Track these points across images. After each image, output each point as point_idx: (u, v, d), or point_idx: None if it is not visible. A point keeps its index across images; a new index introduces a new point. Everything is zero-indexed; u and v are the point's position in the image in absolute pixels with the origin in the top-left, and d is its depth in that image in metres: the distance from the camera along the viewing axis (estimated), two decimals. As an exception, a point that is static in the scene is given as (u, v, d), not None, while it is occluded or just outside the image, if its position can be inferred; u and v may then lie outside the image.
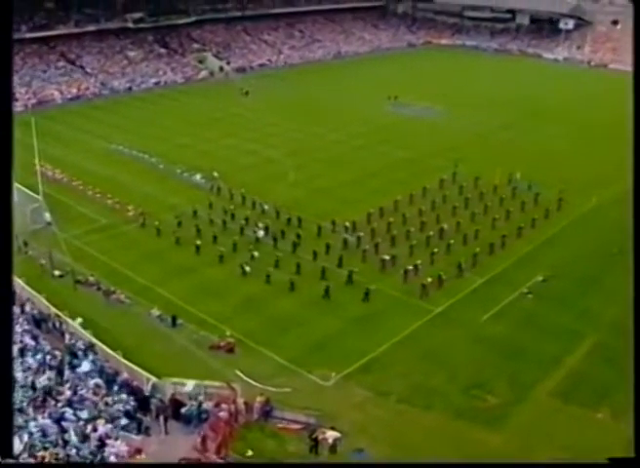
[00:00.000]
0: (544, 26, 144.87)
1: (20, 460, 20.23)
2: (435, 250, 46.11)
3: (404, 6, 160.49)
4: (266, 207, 52.00)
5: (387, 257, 44.75)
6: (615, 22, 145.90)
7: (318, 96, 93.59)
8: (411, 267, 43.35)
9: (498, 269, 44.66)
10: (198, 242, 45.55)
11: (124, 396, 27.34)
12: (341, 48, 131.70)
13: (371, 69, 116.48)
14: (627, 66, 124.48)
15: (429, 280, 41.75)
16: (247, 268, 42.58)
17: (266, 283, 41.63)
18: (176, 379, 29.37)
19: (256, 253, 44.28)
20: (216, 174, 57.64)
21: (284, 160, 64.56)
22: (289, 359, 34.01)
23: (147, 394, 28.36)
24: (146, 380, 28.92)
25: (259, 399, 29.39)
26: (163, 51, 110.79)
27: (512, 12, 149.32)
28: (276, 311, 38.98)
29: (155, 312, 37.64)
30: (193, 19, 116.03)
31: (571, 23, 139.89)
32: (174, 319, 36.96)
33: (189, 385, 29.03)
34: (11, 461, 11.16)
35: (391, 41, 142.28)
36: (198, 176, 58.35)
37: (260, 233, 47.60)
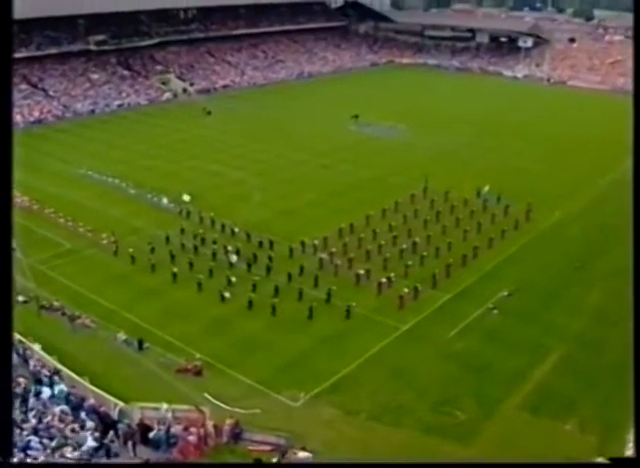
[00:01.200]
0: (504, 45, 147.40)
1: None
2: (409, 262, 46.94)
3: (366, 26, 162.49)
4: (236, 229, 51.81)
5: (362, 272, 45.28)
6: (572, 40, 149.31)
7: (282, 116, 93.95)
8: (384, 280, 44.04)
9: (463, 285, 45.07)
10: (175, 269, 44.89)
11: (91, 422, 27.01)
12: (304, 68, 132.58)
13: (334, 89, 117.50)
14: (585, 83, 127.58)
15: (406, 291, 42.54)
16: (226, 294, 42.16)
17: (248, 308, 41.25)
18: (143, 404, 29.10)
19: (233, 279, 43.89)
20: (186, 197, 57.39)
21: (249, 181, 64.62)
22: (257, 380, 33.90)
23: (115, 419, 28.06)
24: (114, 406, 28.62)
25: (228, 421, 29.22)
26: (126, 73, 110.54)
27: (472, 31, 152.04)
28: (244, 332, 38.89)
29: (121, 336, 37.34)
30: (156, 40, 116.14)
31: (529, 42, 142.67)
32: (140, 343, 36.68)
33: (157, 409, 28.78)
34: (11, 461, 11.05)
35: (354, 61, 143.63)
36: (165, 200, 57.98)
37: (234, 258, 47.21)
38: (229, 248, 48.35)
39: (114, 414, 28.34)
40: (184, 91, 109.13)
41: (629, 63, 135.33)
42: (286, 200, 60.01)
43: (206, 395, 32.15)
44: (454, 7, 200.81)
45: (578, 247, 52.34)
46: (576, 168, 72.44)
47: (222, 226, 52.54)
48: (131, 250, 47.80)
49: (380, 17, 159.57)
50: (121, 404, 28.75)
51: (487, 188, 60.62)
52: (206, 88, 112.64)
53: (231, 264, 46.39)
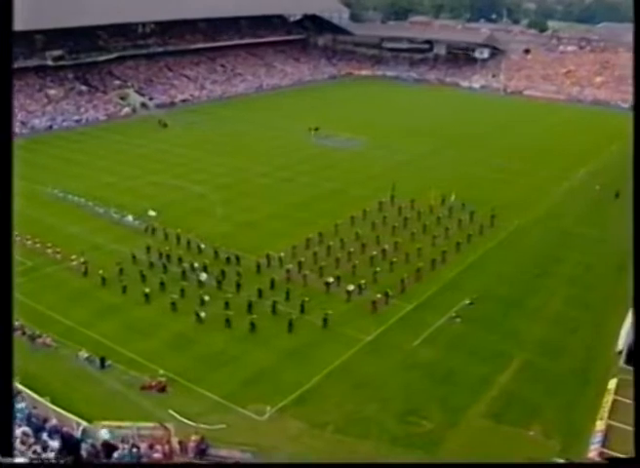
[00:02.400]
0: (461, 56, 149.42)
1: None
2: (378, 268, 47.70)
3: (324, 39, 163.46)
4: (203, 246, 51.44)
5: (331, 279, 45.81)
6: (527, 51, 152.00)
7: (242, 129, 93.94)
8: (352, 287, 44.62)
9: (425, 295, 45.46)
10: (147, 290, 44.08)
11: (54, 443, 26.63)
12: (263, 81, 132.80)
13: (293, 102, 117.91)
14: (541, 93, 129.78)
15: (378, 296, 43.29)
16: (202, 314, 41.48)
17: (227, 327, 40.75)
18: (107, 422, 28.79)
19: (206, 298, 43.22)
20: (152, 212, 56.97)
21: (211, 195, 64.48)
22: (222, 395, 33.75)
23: (78, 439, 27.70)
24: (77, 425, 28.24)
25: (193, 438, 29.02)
26: (84, 88, 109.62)
27: (430, 42, 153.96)
28: (208, 347, 38.70)
29: (83, 354, 36.91)
30: (114, 55, 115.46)
31: (486, 53, 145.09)
32: (102, 360, 36.31)
33: (122, 428, 28.49)
34: (11, 461, 10.92)
35: (313, 73, 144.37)
36: (131, 217, 57.36)
37: (203, 276, 46.62)
38: (196, 264, 47.96)
39: (78, 434, 28.00)
40: (143, 105, 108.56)
41: (583, 73, 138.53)
42: (248, 213, 59.96)
43: (170, 411, 31.91)
44: (411, 19, 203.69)
45: (536, 254, 53.19)
46: (533, 176, 73.60)
47: (188, 242, 52.13)
48: (101, 271, 46.84)
49: (338, 29, 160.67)
50: (84, 423, 28.40)
51: (453, 197, 61.81)
52: (165, 102, 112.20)
53: (201, 282, 45.94)
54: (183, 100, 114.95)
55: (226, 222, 57.65)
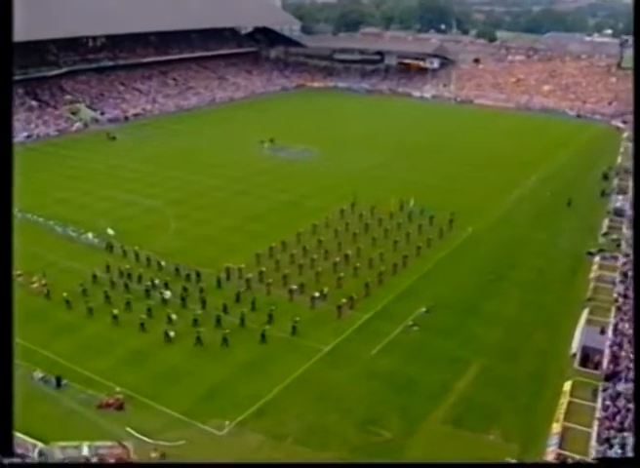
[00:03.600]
0: (412, 66, 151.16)
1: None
2: (342, 274, 48.41)
3: (276, 51, 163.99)
4: (163, 263, 50.83)
5: (294, 287, 46.28)
6: (476, 61, 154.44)
7: (195, 143, 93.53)
8: (317, 294, 45.10)
9: (382, 304, 45.71)
10: (115, 311, 42.92)
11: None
12: (216, 94, 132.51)
13: (246, 114, 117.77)
14: (491, 101, 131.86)
15: (344, 301, 43.80)
16: (171, 333, 40.81)
17: (197, 344, 40.21)
18: (64, 443, 28.41)
19: (174, 316, 42.68)
20: (110, 231, 56.13)
21: (165, 209, 64.02)
22: (181, 411, 33.47)
23: (35, 461, 27.29)
24: (32, 446, 27.84)
25: (153, 455, 28.81)
26: (34, 103, 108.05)
27: (381, 53, 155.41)
28: (165, 363, 38.35)
29: (38, 374, 36.31)
30: (64, 70, 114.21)
31: (436, 63, 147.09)
32: (58, 380, 35.77)
33: (79, 448, 28.13)
34: (11, 461, 10.74)
35: (265, 86, 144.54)
36: (90, 235, 56.37)
37: (167, 294, 45.95)
38: (156, 281, 47.27)
39: (34, 456, 27.58)
40: (95, 120, 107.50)
41: (531, 82, 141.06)
42: (203, 227, 59.64)
43: (129, 429, 31.56)
44: (362, 30, 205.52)
45: (490, 260, 53.90)
46: (485, 183, 74.61)
47: (148, 259, 51.53)
48: (65, 294, 45.38)
49: (290, 41, 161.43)
50: (40, 444, 28.00)
51: (412, 202, 62.86)
52: (117, 117, 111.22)
53: (165, 300, 45.30)
54: (136, 115, 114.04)
55: (182, 237, 57.27)
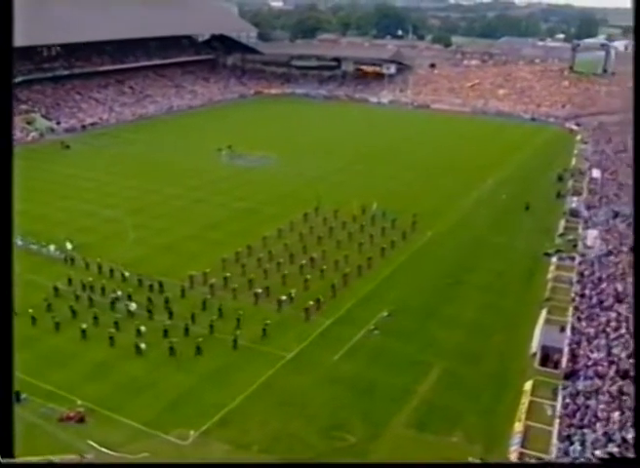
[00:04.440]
0: (369, 72, 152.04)
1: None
2: (308, 276, 48.96)
3: (233, 58, 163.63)
4: (127, 274, 50.09)
5: (260, 290, 46.57)
6: (432, 66, 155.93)
7: (153, 151, 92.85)
8: (284, 297, 45.41)
9: (343, 309, 45.86)
10: (84, 326, 41.99)
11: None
12: (173, 102, 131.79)
13: (204, 122, 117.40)
14: (447, 106, 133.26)
15: (311, 303, 44.22)
16: (142, 345, 40.27)
17: (171, 355, 39.73)
18: (25, 458, 27.91)
19: (143, 328, 41.97)
20: (69, 245, 55.23)
21: (123, 219, 63.42)
22: (144, 422, 33.13)
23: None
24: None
25: (114, 468, 28.48)
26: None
27: (338, 60, 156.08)
28: (129, 375, 37.93)
29: (-4, 389, 35.61)
30: (19, 79, 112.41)
31: (393, 68, 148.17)
32: (17, 394, 35.16)
33: (39, 463, 27.66)
34: (11, 461, 10.51)
35: (223, 93, 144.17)
36: (52, 248, 55.28)
37: (133, 306, 45.28)
38: (119, 293, 46.60)
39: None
40: (51, 130, 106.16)
41: (486, 86, 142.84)
42: (162, 236, 59.24)
43: (90, 442, 31.16)
44: (319, 37, 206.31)
45: (450, 264, 54.42)
46: (443, 187, 75.34)
47: (111, 271, 50.84)
48: (30, 310, 44.35)
49: (247, 49, 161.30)
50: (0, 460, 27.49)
51: (375, 206, 63.40)
52: (73, 126, 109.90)
53: (130, 312, 44.65)
54: (92, 124, 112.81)
55: (141, 246, 56.79)
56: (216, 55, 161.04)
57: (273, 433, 32.74)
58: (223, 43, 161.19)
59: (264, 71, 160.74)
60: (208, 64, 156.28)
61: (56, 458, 27.90)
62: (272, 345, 40.91)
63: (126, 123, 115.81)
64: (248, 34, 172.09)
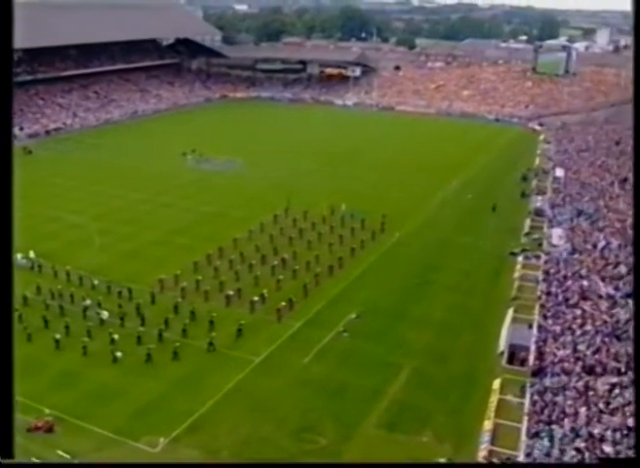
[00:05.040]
0: (334, 75, 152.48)
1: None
2: (281, 277, 49.23)
3: (198, 62, 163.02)
4: (96, 282, 49.40)
5: (231, 292, 46.62)
6: (397, 68, 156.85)
7: (118, 156, 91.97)
8: (257, 298, 45.55)
9: (312, 311, 45.88)
10: (58, 336, 41.15)
11: None
12: (138, 107, 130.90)
13: (169, 126, 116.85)
14: (412, 107, 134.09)
15: (283, 304, 44.42)
16: (118, 354, 39.65)
17: (147, 361, 39.28)
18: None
19: (116, 336, 41.27)
20: (32, 254, 54.25)
21: (88, 224, 62.77)
22: (113, 430, 32.79)
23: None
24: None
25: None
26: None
27: (303, 62, 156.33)
28: (97, 382, 37.49)
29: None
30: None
31: (358, 71, 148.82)
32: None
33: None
34: (11, 461, 10.36)
35: (188, 97, 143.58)
36: (19, 256, 54.21)
37: (105, 314, 44.60)
38: (88, 301, 45.76)
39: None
40: (14, 136, 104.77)
41: (451, 87, 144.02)
42: (129, 241, 58.75)
43: (59, 452, 30.77)
44: (284, 40, 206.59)
45: (417, 264, 54.74)
46: (409, 188, 75.79)
47: (80, 278, 50.10)
48: None
49: (211, 52, 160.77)
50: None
51: (344, 207, 63.92)
52: (37, 132, 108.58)
53: (102, 321, 44.03)
54: (56, 129, 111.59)
55: (107, 252, 56.23)
56: (180, 59, 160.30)
57: (243, 437, 32.60)
58: (188, 47, 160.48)
59: (229, 75, 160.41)
60: (173, 68, 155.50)
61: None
62: (243, 349, 40.78)
63: (90, 128, 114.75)
64: (212, 38, 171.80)
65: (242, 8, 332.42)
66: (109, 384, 37.40)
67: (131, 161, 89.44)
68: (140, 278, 50.05)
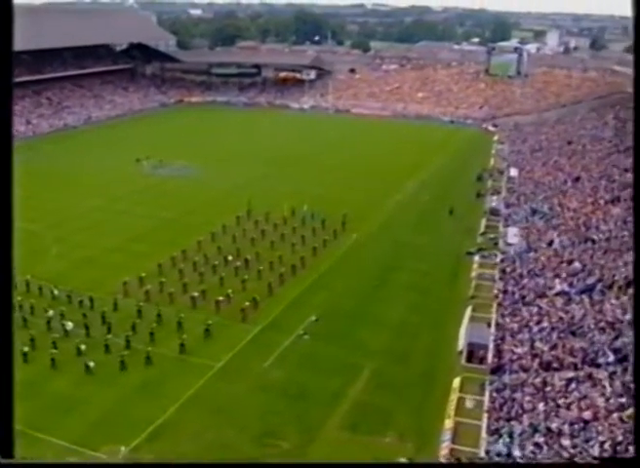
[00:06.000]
0: (289, 78, 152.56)
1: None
2: (246, 276, 49.74)
3: (152, 67, 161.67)
4: (56, 292, 48.46)
5: (196, 294, 46.77)
6: (352, 71, 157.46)
7: (72, 163, 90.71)
8: (222, 298, 45.83)
9: (272, 315, 45.79)
10: (26, 348, 39.75)
11: None
12: (92, 113, 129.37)
13: (124, 132, 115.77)
14: (368, 110, 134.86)
15: (247, 304, 44.74)
16: (91, 364, 38.88)
17: (123, 369, 38.90)
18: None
19: (83, 347, 40.61)
20: None
21: (44, 233, 61.86)
22: (72, 440, 32.31)
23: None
24: None
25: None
26: None
27: (258, 66, 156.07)
28: (57, 393, 36.91)
29: None
30: None
31: (313, 74, 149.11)
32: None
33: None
34: (11, 461, 10.05)
35: (142, 102, 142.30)
36: None
37: (69, 325, 43.59)
38: (50, 312, 44.77)
39: None
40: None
41: (405, 90, 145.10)
42: (86, 249, 58.00)
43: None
44: (238, 44, 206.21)
45: (376, 265, 55.07)
46: (366, 191, 76.09)
47: (40, 288, 49.12)
48: None
49: (166, 57, 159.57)
50: None
51: (305, 207, 64.54)
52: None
53: (66, 332, 43.04)
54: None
55: (63, 261, 55.45)
56: (134, 64, 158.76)
57: (205, 444, 32.36)
58: (142, 52, 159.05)
59: (184, 80, 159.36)
60: (127, 74, 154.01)
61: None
62: (202, 354, 40.57)
63: (44, 135, 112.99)
64: (167, 43, 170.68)
65: (196, 12, 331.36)
66: (70, 394, 36.92)
67: (86, 168, 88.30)
68: (100, 285, 49.44)
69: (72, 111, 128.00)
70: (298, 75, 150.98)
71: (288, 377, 38.22)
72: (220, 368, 39.29)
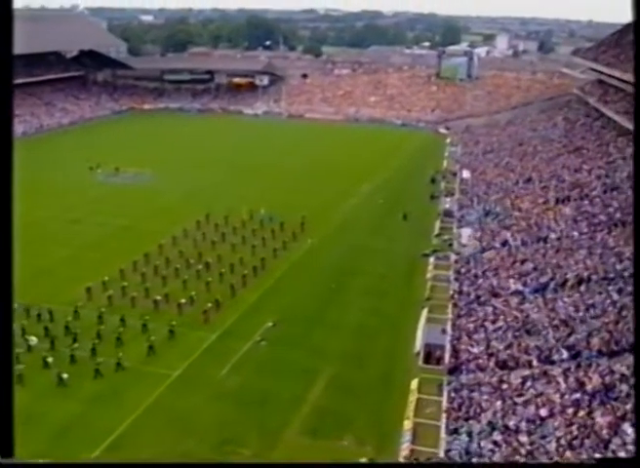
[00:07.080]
0: (242, 84, 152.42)
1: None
2: (209, 279, 49.93)
3: (104, 74, 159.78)
4: (15, 305, 47.43)
5: (159, 297, 46.72)
6: (304, 76, 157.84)
7: (23, 173, 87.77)
8: (184, 300, 45.96)
9: (228, 322, 45.61)
10: None
11: None
12: (43, 121, 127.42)
13: (76, 140, 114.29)
14: (321, 115, 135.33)
15: (209, 305, 44.97)
16: (64, 375, 38.00)
17: (97, 376, 38.37)
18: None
19: (50, 359, 39.70)
20: None
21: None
22: (29, 455, 31.66)
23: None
24: None
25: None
26: None
27: (210, 72, 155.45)
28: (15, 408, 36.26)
29: None
30: None
31: (266, 79, 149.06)
32: None
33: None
34: (11, 461, 9.73)
35: (94, 110, 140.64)
36: None
37: (33, 340, 42.25)
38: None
39: None
40: None
41: (358, 94, 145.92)
42: (39, 259, 56.87)
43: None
44: (191, 50, 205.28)
45: (331, 269, 55.18)
46: (320, 195, 76.23)
47: None
48: None
49: (117, 64, 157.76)
50: None
51: (263, 211, 64.58)
52: None
53: (30, 347, 41.71)
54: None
55: (17, 272, 54.27)
56: (85, 71, 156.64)
57: (164, 453, 31.90)
58: (93, 59, 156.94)
59: (137, 86, 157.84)
60: (78, 81, 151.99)
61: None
62: (158, 363, 40.16)
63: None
64: (118, 49, 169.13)
65: (147, 18, 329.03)
66: (26, 407, 36.27)
67: (37, 177, 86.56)
68: (56, 296, 48.53)
69: (23, 119, 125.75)
70: (250, 81, 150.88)
71: (246, 384, 37.98)
72: (177, 376, 38.88)
